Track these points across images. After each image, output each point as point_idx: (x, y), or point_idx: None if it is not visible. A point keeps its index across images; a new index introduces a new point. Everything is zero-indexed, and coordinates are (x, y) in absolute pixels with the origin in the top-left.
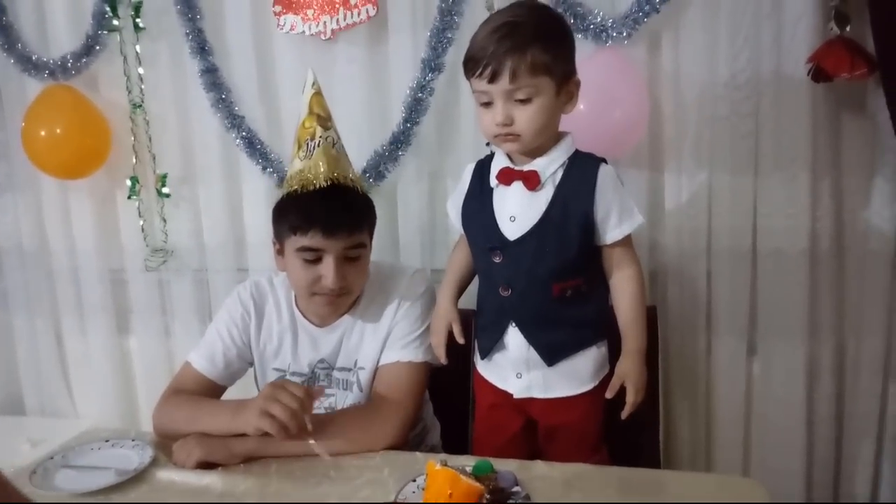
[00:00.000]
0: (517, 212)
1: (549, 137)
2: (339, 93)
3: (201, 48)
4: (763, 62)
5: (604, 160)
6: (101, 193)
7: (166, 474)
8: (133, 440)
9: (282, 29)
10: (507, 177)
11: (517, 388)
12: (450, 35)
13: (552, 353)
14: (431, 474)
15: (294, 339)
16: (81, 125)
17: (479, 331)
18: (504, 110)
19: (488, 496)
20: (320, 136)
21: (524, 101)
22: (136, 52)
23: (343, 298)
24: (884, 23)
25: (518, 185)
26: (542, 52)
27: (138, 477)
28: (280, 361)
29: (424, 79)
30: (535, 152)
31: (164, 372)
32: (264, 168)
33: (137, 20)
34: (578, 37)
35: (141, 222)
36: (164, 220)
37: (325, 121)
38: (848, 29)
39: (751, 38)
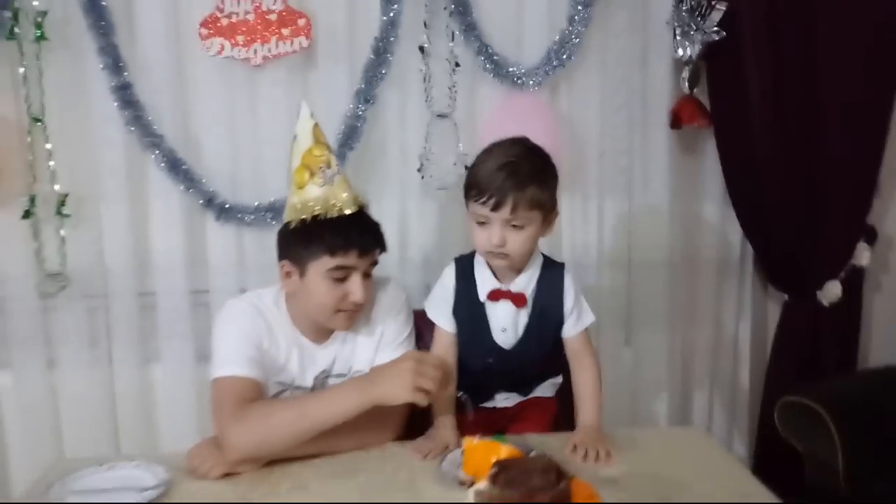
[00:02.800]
0: (507, 324)
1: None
2: (265, 117)
3: (115, 64)
4: (635, 111)
5: (563, 265)
6: None
7: (196, 486)
8: (133, 461)
9: (208, 51)
10: (497, 296)
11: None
12: (383, 70)
13: (528, 393)
14: (469, 449)
15: (300, 356)
16: None
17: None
18: (500, 234)
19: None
20: (336, 165)
21: (517, 228)
22: (38, 64)
23: (360, 313)
24: (717, 89)
25: (507, 302)
26: (539, 190)
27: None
28: (285, 376)
29: (358, 109)
30: (516, 266)
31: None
32: (188, 188)
33: (39, 31)
34: (497, 82)
35: (35, 245)
36: (64, 242)
37: (331, 150)
38: (695, 90)
39: (627, 90)
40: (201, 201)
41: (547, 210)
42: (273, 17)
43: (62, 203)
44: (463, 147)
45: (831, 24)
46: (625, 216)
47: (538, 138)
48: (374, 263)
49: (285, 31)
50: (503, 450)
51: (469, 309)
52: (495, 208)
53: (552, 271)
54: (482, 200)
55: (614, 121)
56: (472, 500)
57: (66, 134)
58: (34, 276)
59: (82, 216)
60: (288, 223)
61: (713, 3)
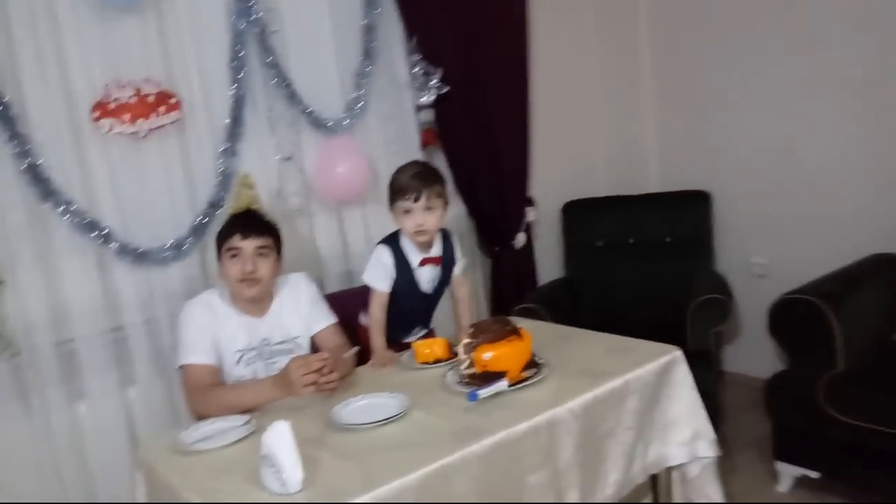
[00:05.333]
0: (430, 278)
1: None
2: (154, 176)
3: (23, 149)
4: (402, 141)
5: (450, 231)
6: None
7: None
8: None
9: (101, 130)
10: (425, 262)
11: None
12: (240, 130)
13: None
14: (417, 346)
15: (246, 329)
16: None
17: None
18: (422, 218)
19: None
20: (245, 189)
21: (431, 210)
22: None
23: (260, 283)
24: (441, 122)
25: (430, 265)
26: (440, 187)
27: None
28: (238, 345)
29: (225, 162)
30: (431, 239)
31: None
32: (100, 242)
33: None
34: (311, 128)
35: None
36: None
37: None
38: (430, 124)
39: (397, 127)
40: (114, 248)
41: (445, 199)
42: (151, 98)
43: None
44: (306, 179)
45: (498, 86)
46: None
47: (353, 164)
48: (264, 246)
49: (161, 109)
50: (437, 342)
51: (404, 274)
52: (416, 200)
53: (446, 236)
54: (406, 197)
55: (391, 149)
56: (464, 351)
57: None
58: None
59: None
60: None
61: (430, 72)
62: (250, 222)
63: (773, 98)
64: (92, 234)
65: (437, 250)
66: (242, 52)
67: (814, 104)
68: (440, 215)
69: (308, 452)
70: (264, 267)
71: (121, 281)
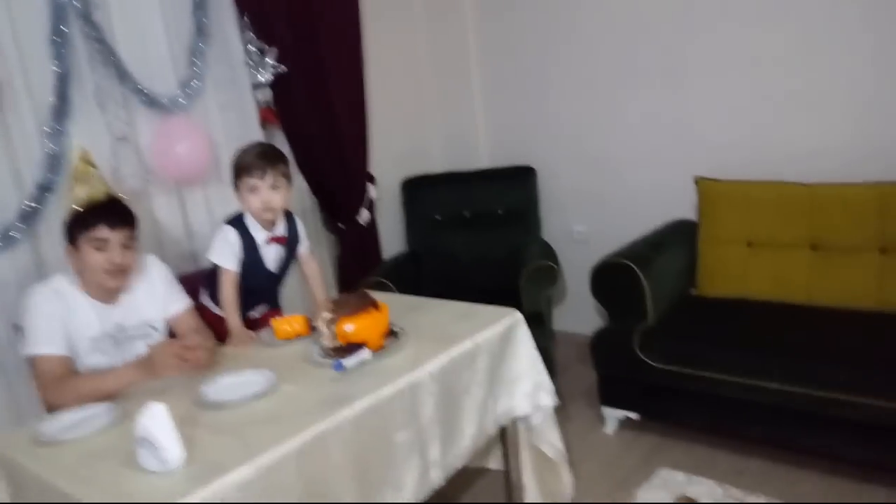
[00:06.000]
0: (275, 257)
1: None
2: None
3: None
4: (243, 121)
5: (292, 213)
6: None
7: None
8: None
9: None
10: (273, 241)
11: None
12: (67, 109)
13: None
14: (276, 323)
15: (98, 316)
16: None
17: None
18: (268, 196)
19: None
20: (95, 171)
21: (276, 189)
22: None
23: (125, 273)
24: (279, 101)
25: (275, 244)
26: (284, 166)
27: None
28: (90, 332)
29: (54, 144)
30: (276, 218)
31: None
32: None
33: None
34: (145, 107)
35: None
36: None
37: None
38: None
39: (236, 107)
40: None
41: (289, 179)
42: None
43: None
44: (143, 160)
45: (335, 67)
46: None
47: (192, 144)
48: (131, 237)
49: None
50: (296, 318)
51: (250, 253)
52: (262, 177)
53: (290, 217)
54: (253, 175)
55: (229, 128)
56: (325, 325)
57: None
58: None
59: None
60: (68, 217)
61: (265, 50)
62: (117, 212)
63: (589, 81)
64: None
65: (281, 230)
66: (64, 27)
67: (621, 85)
68: (284, 195)
69: (182, 432)
70: (130, 257)
71: None
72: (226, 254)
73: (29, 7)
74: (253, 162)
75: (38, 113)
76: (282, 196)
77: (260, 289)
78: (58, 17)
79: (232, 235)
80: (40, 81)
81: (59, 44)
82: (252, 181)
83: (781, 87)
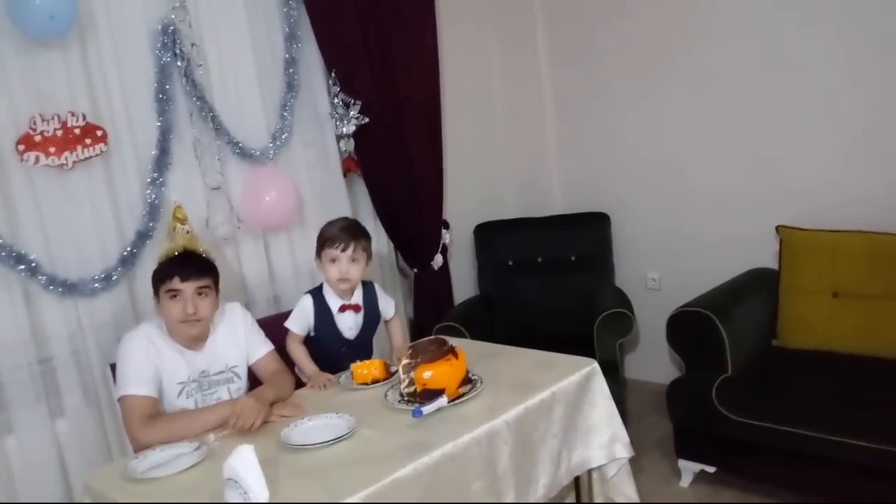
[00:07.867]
0: (351, 325)
1: None
2: (80, 208)
3: None
4: (325, 168)
5: (373, 282)
6: None
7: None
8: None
9: (26, 163)
10: (346, 309)
11: None
12: (167, 161)
13: None
14: (355, 367)
15: (185, 362)
16: None
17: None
18: (346, 267)
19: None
20: (182, 227)
21: (356, 262)
22: None
23: (202, 322)
24: (360, 151)
25: (350, 311)
26: (365, 241)
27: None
28: (178, 377)
29: (153, 193)
30: (353, 288)
31: None
32: (28, 274)
33: None
34: (237, 158)
35: None
36: None
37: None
38: (351, 153)
39: (321, 157)
40: (41, 280)
41: (369, 253)
42: (77, 131)
43: None
44: (234, 208)
45: (413, 117)
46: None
47: (280, 192)
48: (204, 286)
49: (87, 141)
50: (375, 363)
51: (326, 320)
52: (343, 250)
53: (368, 287)
54: (335, 246)
55: (314, 176)
56: (403, 371)
57: None
58: None
59: None
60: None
61: (351, 103)
62: (190, 264)
63: (664, 126)
64: (19, 267)
65: (357, 298)
66: (168, 85)
67: (698, 131)
68: (362, 268)
69: (265, 473)
70: (204, 307)
71: (49, 312)
72: (295, 318)
73: (136, 66)
74: (337, 235)
75: (140, 165)
76: (359, 269)
77: (338, 355)
78: (162, 75)
79: (307, 303)
80: (144, 135)
81: (164, 100)
82: (333, 252)
83: (868, 132)
